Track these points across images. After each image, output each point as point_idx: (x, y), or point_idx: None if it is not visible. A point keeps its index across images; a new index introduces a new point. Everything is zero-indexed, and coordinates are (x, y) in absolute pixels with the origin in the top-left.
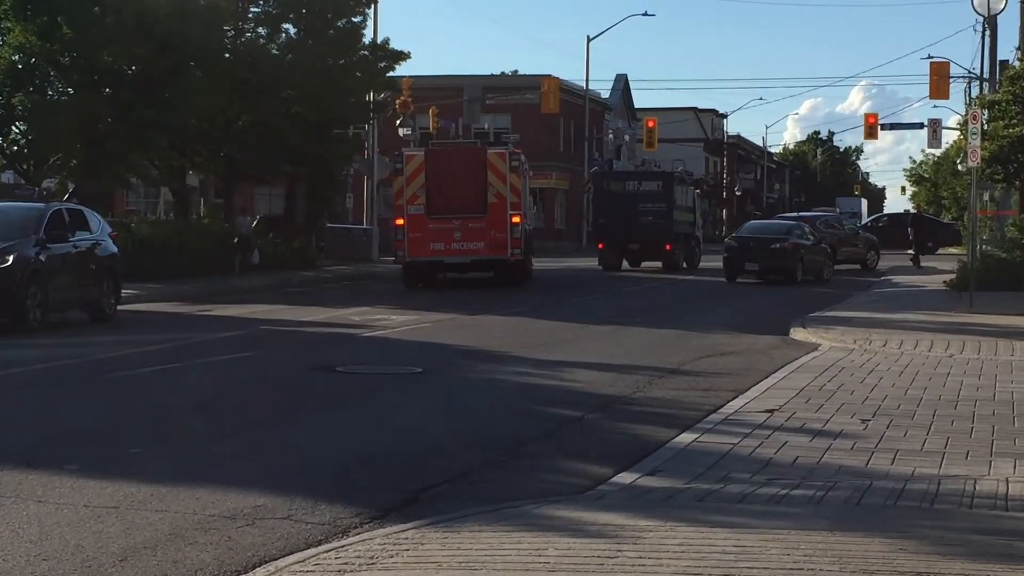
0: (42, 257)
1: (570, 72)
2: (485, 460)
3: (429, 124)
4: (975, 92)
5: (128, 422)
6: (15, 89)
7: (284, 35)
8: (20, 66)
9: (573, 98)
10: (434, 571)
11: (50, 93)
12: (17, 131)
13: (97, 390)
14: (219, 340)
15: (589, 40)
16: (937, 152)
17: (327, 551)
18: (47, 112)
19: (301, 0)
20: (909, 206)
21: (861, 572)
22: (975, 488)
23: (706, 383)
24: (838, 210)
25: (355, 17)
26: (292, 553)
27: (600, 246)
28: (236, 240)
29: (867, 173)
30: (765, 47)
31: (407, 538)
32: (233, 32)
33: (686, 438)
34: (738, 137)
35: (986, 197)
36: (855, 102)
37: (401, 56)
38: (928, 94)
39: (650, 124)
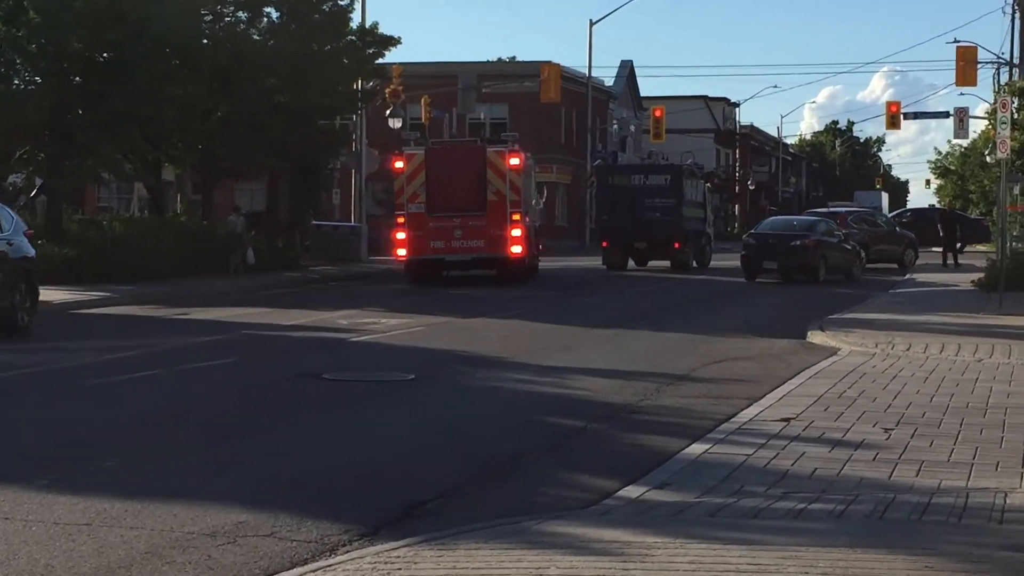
0: None
1: (572, 58)
2: (482, 473)
3: (421, 114)
4: (1004, 78)
5: (101, 433)
6: None
7: (266, 19)
8: None
9: (575, 86)
10: None
11: (16, 82)
12: None
13: (68, 399)
14: (198, 345)
15: (592, 24)
16: (964, 143)
17: (314, 571)
18: (13, 102)
19: None
20: (934, 200)
21: None
22: (1006, 502)
23: (718, 390)
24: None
25: (341, 0)
26: (276, 573)
27: (604, 244)
28: (229, 239)
29: (889, 165)
30: (780, 31)
31: (399, 557)
32: (211, 16)
33: (697, 449)
34: (751, 127)
35: (1016, 191)
36: (876, 89)
37: (391, 41)
38: (954, 81)
39: (657, 114)
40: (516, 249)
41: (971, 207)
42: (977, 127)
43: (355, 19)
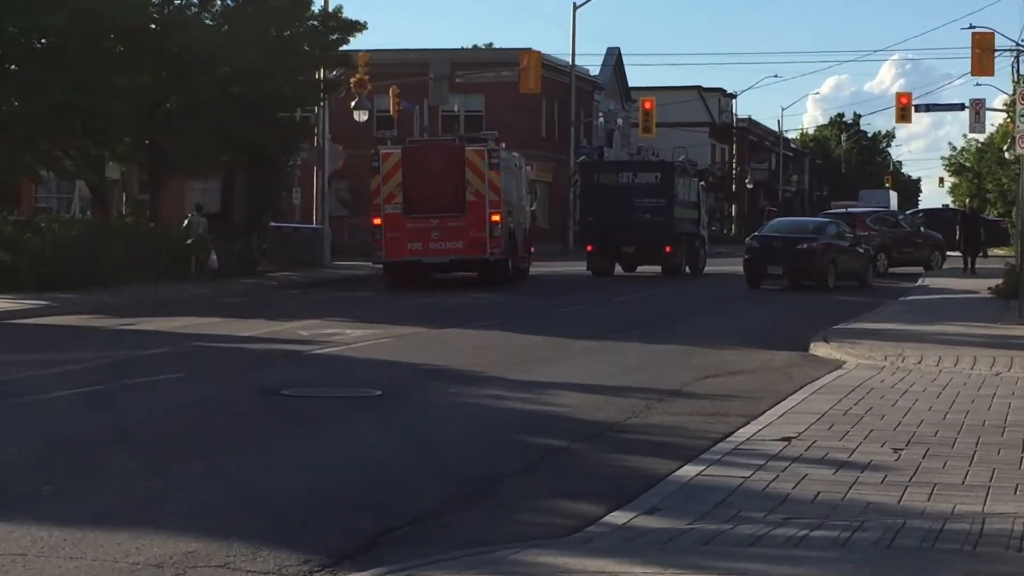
0: None
1: (554, 45)
2: (454, 498)
3: (389, 106)
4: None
5: (39, 455)
6: None
7: (219, 3)
8: None
9: (557, 76)
10: None
11: None
12: None
13: (1, 417)
14: (145, 359)
15: (576, 7)
16: (980, 138)
17: None
18: None
19: None
20: (948, 200)
21: None
22: None
23: (712, 407)
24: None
25: None
26: None
27: (589, 248)
28: (190, 242)
29: (899, 162)
30: (781, 15)
31: None
32: None
33: (689, 471)
34: (749, 120)
35: None
36: (886, 80)
37: (356, 27)
38: (970, 70)
39: (647, 106)
40: (495, 250)
41: (988, 207)
42: (995, 120)
43: (317, 2)
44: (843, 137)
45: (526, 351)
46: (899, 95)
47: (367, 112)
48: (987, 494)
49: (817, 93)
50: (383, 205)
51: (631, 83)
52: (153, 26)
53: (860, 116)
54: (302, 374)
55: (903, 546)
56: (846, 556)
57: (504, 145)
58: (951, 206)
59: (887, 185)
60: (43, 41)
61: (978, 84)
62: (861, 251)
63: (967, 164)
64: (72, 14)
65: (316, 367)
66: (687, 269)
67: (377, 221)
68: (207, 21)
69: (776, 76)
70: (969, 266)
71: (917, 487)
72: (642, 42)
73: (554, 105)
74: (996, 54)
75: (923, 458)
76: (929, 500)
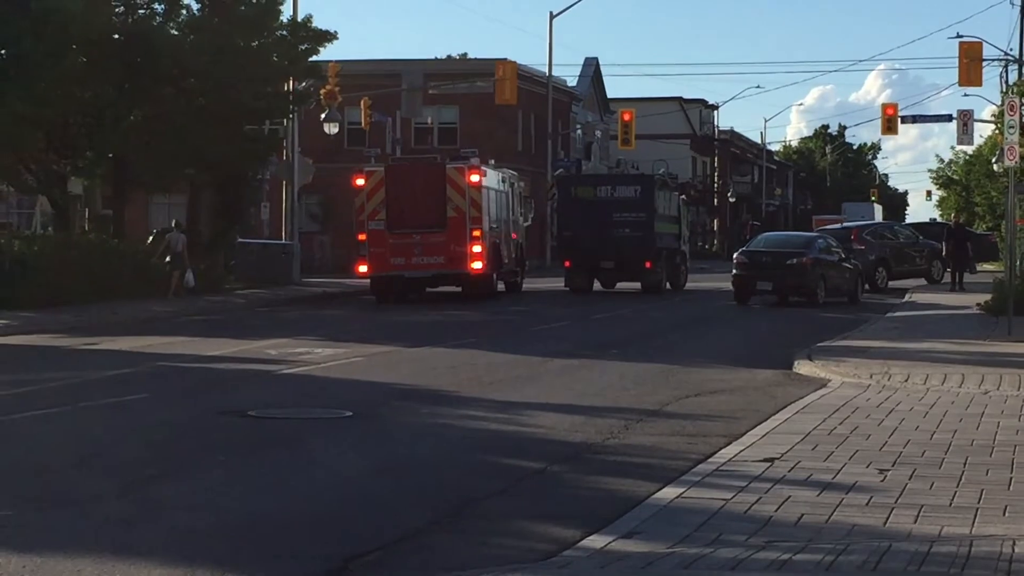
0: None
1: (530, 55)
2: (428, 521)
3: (360, 118)
4: (1012, 77)
5: None
6: None
7: (185, 12)
8: None
9: (534, 86)
10: None
11: None
12: None
13: None
14: (108, 379)
15: (552, 17)
16: (968, 149)
17: None
18: None
19: None
20: (936, 214)
21: None
22: (1014, 550)
23: (694, 427)
24: (845, 216)
25: None
26: None
27: (567, 264)
28: (168, 260)
29: (886, 175)
30: (763, 25)
31: None
32: (123, 9)
33: (669, 493)
34: (731, 132)
35: None
36: (872, 90)
37: (326, 36)
38: (957, 80)
39: (626, 117)
40: (476, 265)
41: (977, 221)
42: (984, 131)
43: (286, 11)
44: (828, 149)
45: (502, 370)
46: (885, 106)
47: (338, 124)
48: (975, 516)
49: (801, 104)
50: (367, 221)
51: (610, 94)
52: (117, 36)
53: (845, 128)
54: (270, 395)
55: (889, 569)
56: None
57: (493, 162)
58: (939, 220)
59: (873, 198)
60: (1, 52)
61: (966, 95)
62: (850, 266)
63: (955, 177)
64: (31, 24)
65: (285, 387)
66: (668, 285)
67: (362, 237)
68: (172, 31)
69: (759, 87)
70: (957, 282)
71: (903, 509)
72: (621, 52)
73: (531, 117)
74: (984, 64)
75: (909, 479)
76: (915, 522)
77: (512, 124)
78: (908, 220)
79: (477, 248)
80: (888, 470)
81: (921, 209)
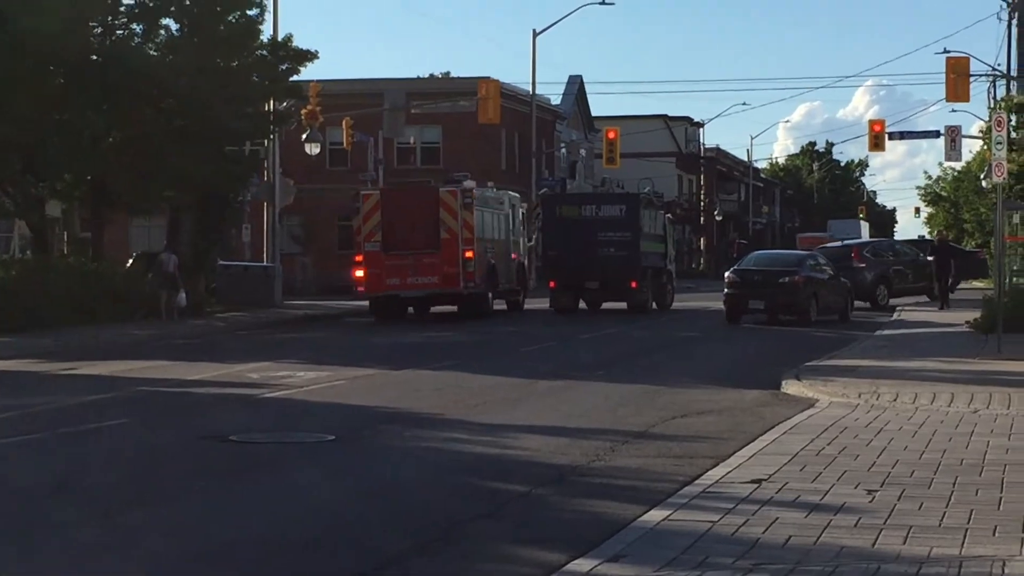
0: None
1: (514, 74)
2: (411, 546)
3: (342, 138)
4: (1000, 92)
5: None
6: None
7: (164, 33)
8: None
9: (518, 105)
10: None
11: None
12: None
13: None
14: (87, 404)
15: (536, 35)
16: (957, 166)
17: None
18: None
19: None
20: (924, 231)
21: None
22: (1004, 571)
23: (680, 449)
24: (831, 234)
25: (249, 10)
26: None
27: (552, 284)
28: (161, 280)
29: (874, 192)
30: (749, 41)
31: None
32: (101, 30)
33: (656, 516)
34: (717, 150)
35: (1016, 219)
36: (859, 106)
37: (307, 56)
38: (945, 96)
39: (610, 136)
40: (469, 284)
41: (966, 238)
42: (972, 147)
43: (266, 31)
44: (815, 166)
45: (487, 392)
46: (872, 122)
47: (319, 145)
48: (965, 536)
49: (788, 121)
50: (363, 243)
51: (594, 112)
52: (95, 57)
53: (832, 144)
54: (252, 419)
55: None
56: None
57: (492, 184)
58: (927, 237)
59: (861, 215)
60: None
61: (954, 110)
62: (841, 283)
63: (943, 193)
64: (8, 46)
65: (266, 411)
66: (654, 305)
67: (359, 258)
68: (151, 52)
69: (745, 104)
70: (941, 300)
71: (892, 530)
72: (605, 69)
73: (514, 136)
74: (972, 79)
75: (898, 499)
76: (904, 543)
77: (496, 143)
78: (896, 237)
79: (470, 268)
80: (877, 491)
81: (910, 226)
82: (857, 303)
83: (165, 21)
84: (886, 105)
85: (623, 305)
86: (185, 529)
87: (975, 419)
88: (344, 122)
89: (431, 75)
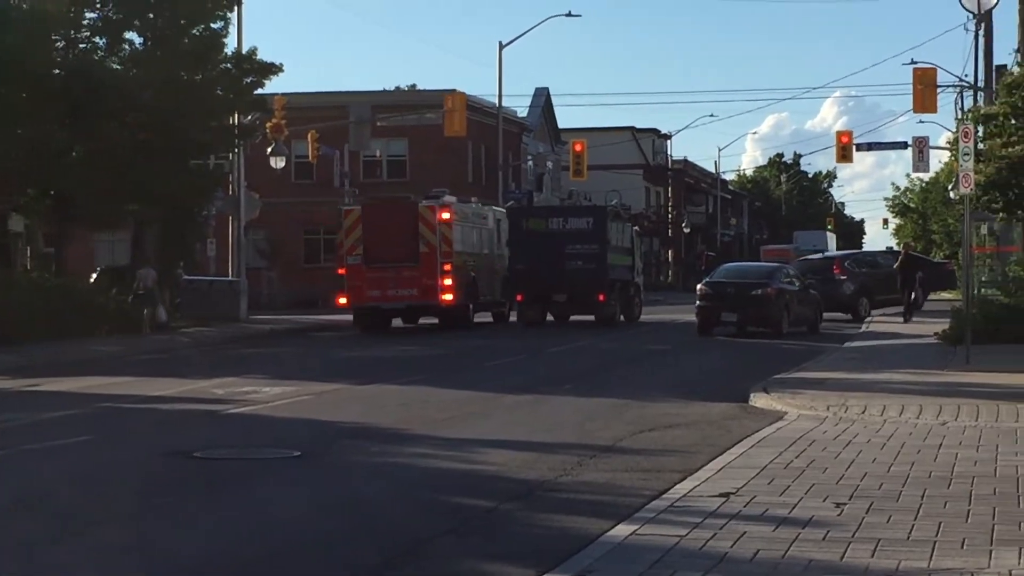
0: None
1: (480, 86)
2: (378, 562)
3: (308, 152)
4: (967, 103)
5: None
6: None
7: (127, 46)
8: None
9: (484, 117)
10: None
11: None
12: None
13: None
14: (48, 421)
15: (502, 47)
16: (925, 177)
17: None
18: None
19: (147, 3)
20: (893, 243)
21: None
22: None
23: (648, 463)
24: (796, 245)
25: (214, 23)
26: None
27: (519, 298)
28: (140, 295)
29: (842, 203)
30: (716, 52)
31: None
32: (64, 43)
33: (623, 530)
34: (685, 162)
35: (983, 230)
36: (828, 117)
37: (272, 69)
38: (912, 107)
39: (577, 148)
40: (448, 297)
41: (934, 249)
42: (941, 158)
43: (230, 44)
44: (783, 178)
45: (453, 407)
46: (839, 134)
47: (284, 158)
48: (933, 549)
49: (756, 132)
50: (345, 257)
51: (561, 124)
52: (57, 71)
53: (800, 156)
54: (216, 435)
55: None
56: None
57: (475, 199)
58: (895, 248)
59: (829, 227)
60: None
61: (921, 121)
62: (811, 295)
63: (911, 204)
64: None
65: (231, 427)
66: (622, 317)
67: (341, 271)
68: (115, 66)
69: (712, 115)
70: (906, 312)
71: (860, 543)
72: (572, 82)
73: (481, 148)
74: (939, 90)
75: (867, 512)
76: (873, 556)
77: (462, 156)
78: (865, 248)
79: (448, 281)
80: (845, 504)
81: (878, 237)
82: (839, 315)
83: (129, 35)
84: (854, 116)
85: (591, 318)
86: (147, 547)
87: (943, 431)
88: (309, 135)
89: (397, 88)
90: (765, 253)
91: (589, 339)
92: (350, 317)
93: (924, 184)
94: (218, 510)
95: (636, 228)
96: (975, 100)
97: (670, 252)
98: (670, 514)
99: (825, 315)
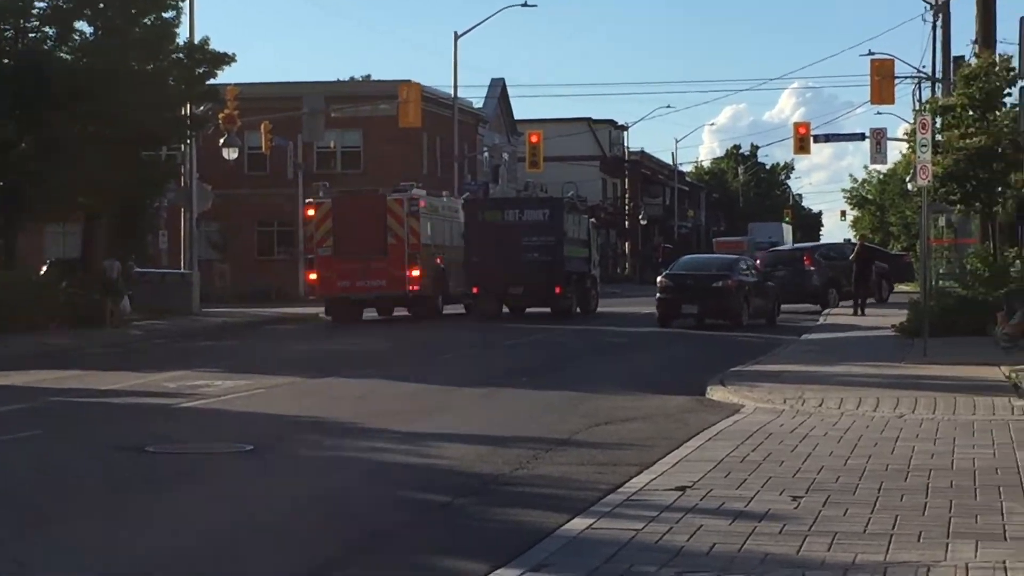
0: None
1: (435, 77)
2: (331, 557)
3: (261, 143)
4: (925, 95)
5: None
6: None
7: (78, 36)
8: None
9: (439, 108)
10: None
11: None
12: None
13: None
14: None
15: (457, 37)
16: (883, 168)
17: None
18: None
19: None
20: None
21: None
22: None
23: (604, 456)
24: (751, 238)
25: (166, 12)
26: None
27: (475, 291)
28: (103, 286)
29: (799, 195)
30: (673, 43)
31: None
32: (13, 32)
33: (579, 524)
34: (642, 153)
35: (941, 222)
36: (786, 109)
37: (224, 59)
38: (869, 98)
39: (533, 139)
40: (415, 287)
41: (892, 241)
42: (900, 149)
43: (182, 34)
44: (740, 169)
45: (408, 400)
46: (797, 125)
47: (237, 149)
48: (889, 542)
49: (713, 124)
50: (316, 248)
51: (517, 115)
52: (6, 61)
53: (758, 147)
54: (168, 429)
55: None
56: None
57: (447, 194)
58: (852, 240)
59: (787, 219)
60: None
61: (879, 113)
62: (768, 287)
63: (869, 196)
64: None
65: (183, 421)
66: (578, 310)
67: (311, 266)
68: (64, 55)
69: (669, 107)
70: (858, 308)
71: (817, 536)
72: (528, 72)
73: (436, 140)
74: (897, 81)
75: (823, 506)
76: (829, 550)
77: (417, 147)
78: (822, 240)
79: (415, 272)
80: (802, 497)
81: (836, 229)
82: (801, 306)
83: (79, 24)
84: (812, 107)
85: (547, 310)
86: (97, 543)
87: (900, 424)
88: (263, 126)
89: (351, 78)
90: (718, 245)
91: (546, 332)
92: (305, 310)
93: (882, 176)
94: (169, 505)
95: (593, 220)
96: (933, 91)
97: (627, 244)
98: (626, 508)
99: (795, 306)
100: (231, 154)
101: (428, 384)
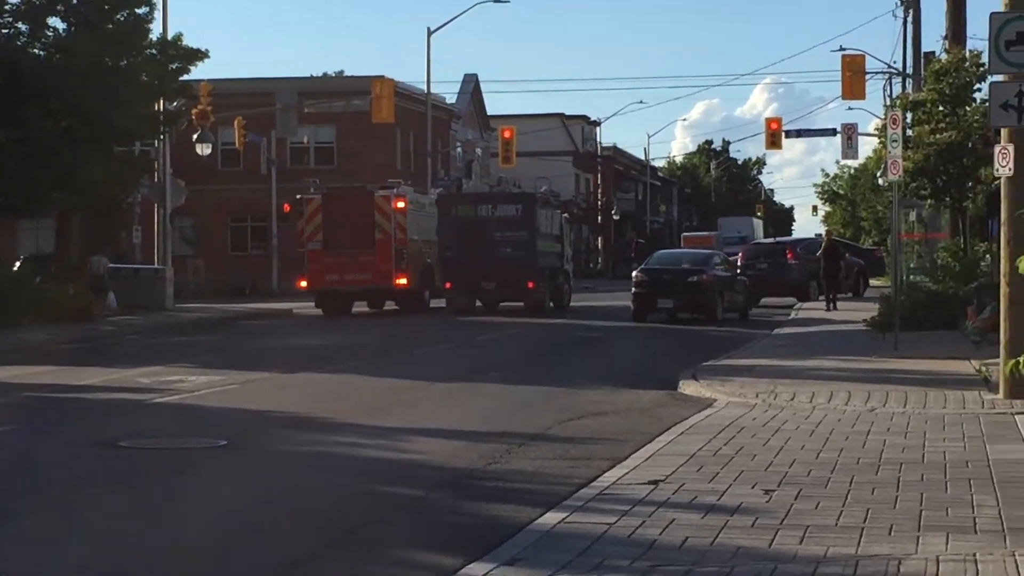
0: None
1: (408, 73)
2: (306, 552)
3: (234, 138)
4: (896, 90)
5: None
6: None
7: (51, 31)
8: None
9: (412, 104)
10: None
11: None
12: None
13: None
14: None
15: (430, 33)
16: (854, 164)
17: None
18: None
19: None
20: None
21: None
22: (899, 569)
23: (577, 451)
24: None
25: (139, 8)
26: None
27: (448, 286)
28: (89, 282)
29: (771, 190)
30: (645, 38)
31: None
32: None
33: (552, 518)
34: (615, 149)
35: (912, 217)
36: (758, 104)
37: (197, 55)
38: (841, 93)
39: (506, 135)
40: (402, 281)
41: (863, 236)
42: (871, 144)
43: (155, 29)
44: (712, 164)
45: (381, 395)
46: (769, 120)
47: (211, 145)
48: (861, 535)
49: (685, 119)
50: (306, 243)
51: (490, 111)
52: None
53: (730, 143)
54: (142, 424)
55: None
56: None
57: (435, 191)
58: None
59: (759, 214)
60: None
61: (850, 108)
62: (740, 281)
63: (841, 191)
64: None
65: (157, 417)
66: (551, 305)
67: (303, 257)
68: (37, 52)
69: (642, 102)
70: (829, 304)
71: (789, 530)
72: (501, 68)
73: (409, 135)
74: (868, 77)
75: (795, 499)
76: (801, 543)
77: (390, 143)
78: (794, 235)
79: (403, 267)
80: (774, 491)
81: (808, 224)
82: (789, 299)
83: (52, 20)
84: (784, 103)
85: (520, 305)
86: (70, 539)
87: (872, 418)
88: (236, 122)
89: (324, 74)
90: (686, 241)
91: (519, 326)
92: (279, 306)
93: (853, 171)
94: (144, 500)
95: (566, 215)
96: (903, 87)
97: (600, 239)
98: (599, 502)
99: (769, 300)
100: (204, 150)
101: (402, 379)
